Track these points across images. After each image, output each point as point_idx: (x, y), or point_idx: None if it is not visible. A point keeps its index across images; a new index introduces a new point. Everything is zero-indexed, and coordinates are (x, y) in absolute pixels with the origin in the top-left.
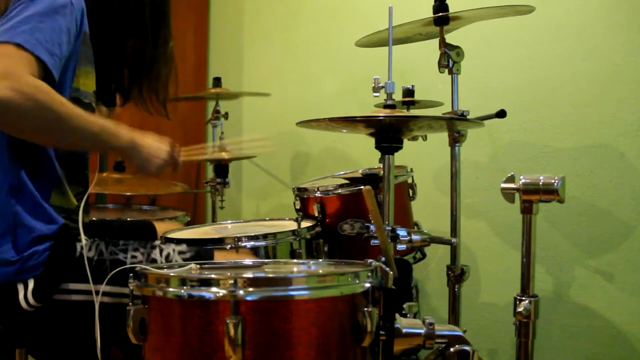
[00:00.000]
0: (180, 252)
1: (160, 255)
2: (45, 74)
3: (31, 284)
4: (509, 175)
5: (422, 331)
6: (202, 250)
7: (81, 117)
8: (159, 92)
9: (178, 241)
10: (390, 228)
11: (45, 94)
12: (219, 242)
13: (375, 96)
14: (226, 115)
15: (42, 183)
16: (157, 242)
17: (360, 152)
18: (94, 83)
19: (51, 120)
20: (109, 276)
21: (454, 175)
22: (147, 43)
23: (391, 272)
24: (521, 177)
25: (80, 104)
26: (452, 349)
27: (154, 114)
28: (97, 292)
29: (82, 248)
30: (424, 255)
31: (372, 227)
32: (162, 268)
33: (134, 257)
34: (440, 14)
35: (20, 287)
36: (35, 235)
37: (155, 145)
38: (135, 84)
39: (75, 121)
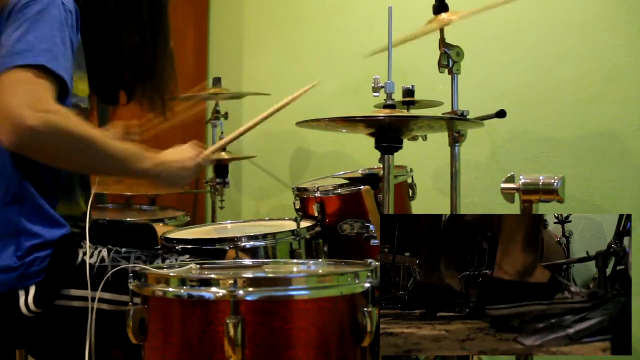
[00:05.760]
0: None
1: (163, 263)
2: (62, 90)
3: (32, 290)
4: (509, 175)
5: None
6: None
7: (105, 142)
8: (161, 91)
9: (178, 242)
10: None
11: (70, 121)
12: (219, 242)
13: (375, 96)
14: (226, 115)
15: (48, 192)
16: (160, 250)
17: (360, 152)
18: (87, 87)
19: (77, 147)
20: (104, 278)
21: (454, 175)
22: (146, 41)
23: None
24: (521, 177)
25: (79, 110)
26: None
27: (157, 112)
28: (95, 299)
29: (84, 255)
30: None
31: (372, 227)
32: (162, 268)
33: (136, 265)
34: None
35: (22, 293)
36: (38, 242)
37: (179, 159)
38: (137, 82)
39: (100, 146)
